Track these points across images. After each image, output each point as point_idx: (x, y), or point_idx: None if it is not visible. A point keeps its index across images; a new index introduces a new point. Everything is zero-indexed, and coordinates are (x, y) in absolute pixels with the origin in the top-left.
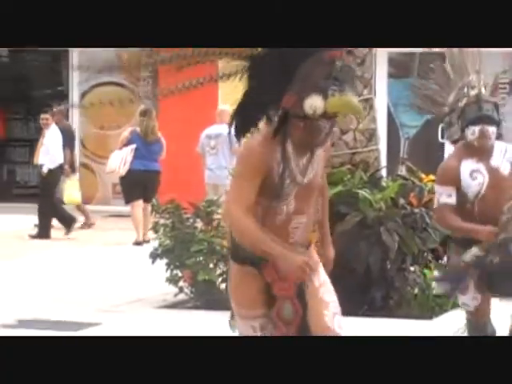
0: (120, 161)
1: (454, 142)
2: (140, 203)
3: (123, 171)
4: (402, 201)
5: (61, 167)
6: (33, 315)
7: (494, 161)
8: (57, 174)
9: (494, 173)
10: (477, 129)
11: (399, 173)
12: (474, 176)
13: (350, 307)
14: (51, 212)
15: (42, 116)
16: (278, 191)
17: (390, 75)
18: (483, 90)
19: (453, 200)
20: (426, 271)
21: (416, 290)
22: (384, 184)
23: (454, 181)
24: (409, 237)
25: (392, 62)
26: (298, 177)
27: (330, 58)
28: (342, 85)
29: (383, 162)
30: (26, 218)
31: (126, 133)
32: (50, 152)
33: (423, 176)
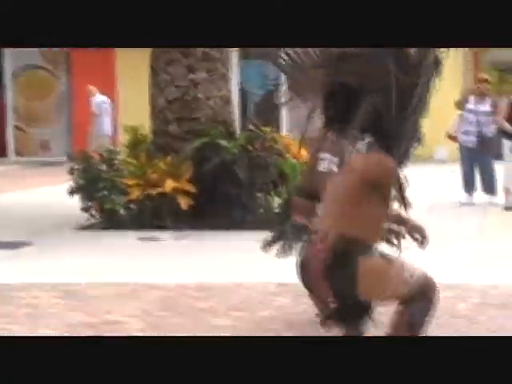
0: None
1: None
2: None
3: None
4: (250, 147)
5: None
6: None
7: None
8: None
9: None
10: None
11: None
12: None
13: (218, 224)
14: None
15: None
16: None
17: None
18: None
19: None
20: (268, 197)
21: (262, 210)
22: (237, 136)
23: None
24: (255, 172)
25: None
26: None
27: None
28: None
29: (237, 119)
30: None
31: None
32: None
33: (264, 129)
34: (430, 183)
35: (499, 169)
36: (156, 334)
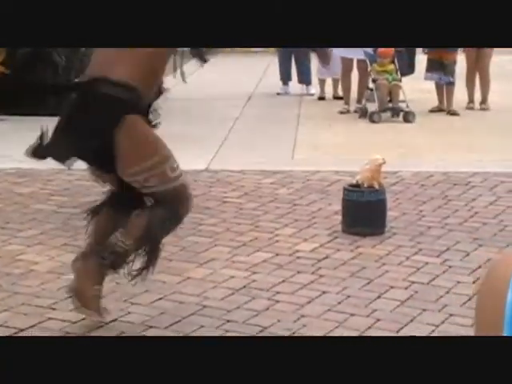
0: None
1: None
2: None
3: None
4: None
5: None
6: None
7: None
8: None
9: None
10: None
11: None
12: None
13: (34, 108)
14: None
15: None
16: None
17: None
18: None
19: None
20: None
21: None
22: None
23: None
24: (73, 56)
25: None
26: None
27: None
28: None
29: None
30: None
31: None
32: None
33: None
34: (249, 74)
35: (314, 60)
36: None
